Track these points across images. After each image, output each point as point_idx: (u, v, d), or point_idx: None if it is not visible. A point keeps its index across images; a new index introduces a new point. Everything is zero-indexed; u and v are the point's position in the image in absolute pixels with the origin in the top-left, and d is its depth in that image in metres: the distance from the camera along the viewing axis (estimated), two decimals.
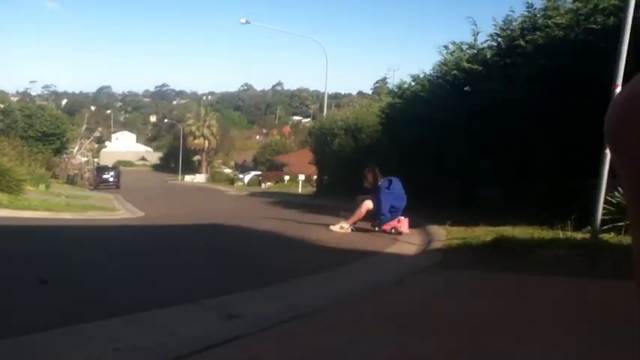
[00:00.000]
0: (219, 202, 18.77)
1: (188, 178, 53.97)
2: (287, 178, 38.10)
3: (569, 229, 5.63)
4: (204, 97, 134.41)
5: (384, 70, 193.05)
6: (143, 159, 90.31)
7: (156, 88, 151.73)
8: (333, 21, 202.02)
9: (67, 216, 10.77)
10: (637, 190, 0.64)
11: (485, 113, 8.68)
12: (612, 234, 5.12)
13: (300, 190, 27.42)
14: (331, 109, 32.22)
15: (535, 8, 8.63)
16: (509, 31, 9.01)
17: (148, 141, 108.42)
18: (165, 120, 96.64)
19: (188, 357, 1.97)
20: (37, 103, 41.33)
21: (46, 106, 35.51)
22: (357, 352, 2.12)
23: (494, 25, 9.38)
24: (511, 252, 4.74)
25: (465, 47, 10.38)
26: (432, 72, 11.68)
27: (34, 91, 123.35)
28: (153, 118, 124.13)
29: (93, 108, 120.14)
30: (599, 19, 6.88)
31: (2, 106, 32.92)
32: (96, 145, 60.64)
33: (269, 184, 39.37)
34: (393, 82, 23.71)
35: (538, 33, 7.98)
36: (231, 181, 45.96)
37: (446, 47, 10.82)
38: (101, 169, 35.24)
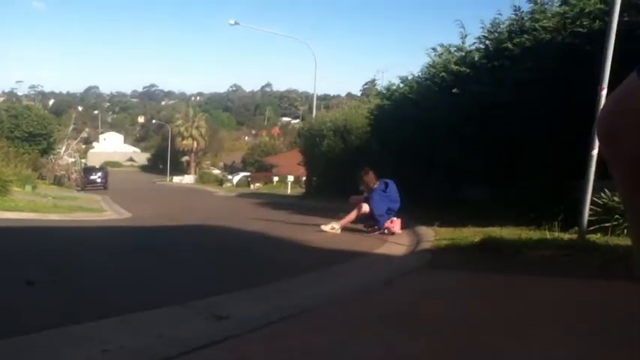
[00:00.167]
0: (207, 203, 18.70)
1: (176, 179, 53.69)
2: (276, 179, 38.01)
3: (557, 230, 5.69)
4: (193, 98, 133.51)
5: (372, 72, 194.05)
6: (131, 160, 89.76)
7: (144, 88, 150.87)
8: (322, 23, 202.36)
9: (54, 217, 10.68)
10: (628, 186, 0.70)
11: (474, 115, 8.73)
12: (599, 234, 5.19)
13: (289, 191, 27.39)
14: (320, 111, 32.18)
15: (522, 11, 8.73)
16: (496, 34, 9.08)
17: (136, 142, 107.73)
18: (154, 121, 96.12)
19: (176, 358, 1.96)
20: (24, 103, 41.02)
21: (33, 106, 35.18)
22: (346, 353, 2.12)
23: (482, 27, 9.47)
24: (499, 252, 4.76)
25: (453, 50, 10.45)
26: (420, 74, 11.75)
27: (21, 91, 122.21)
28: (141, 119, 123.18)
29: (80, 108, 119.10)
30: (585, 23, 6.96)
31: None
32: (83, 146, 60.31)
33: (258, 185, 39.28)
34: (381, 83, 23.83)
35: (525, 36, 8.05)
36: (220, 182, 45.82)
37: (434, 49, 10.89)
38: (88, 170, 35.04)
